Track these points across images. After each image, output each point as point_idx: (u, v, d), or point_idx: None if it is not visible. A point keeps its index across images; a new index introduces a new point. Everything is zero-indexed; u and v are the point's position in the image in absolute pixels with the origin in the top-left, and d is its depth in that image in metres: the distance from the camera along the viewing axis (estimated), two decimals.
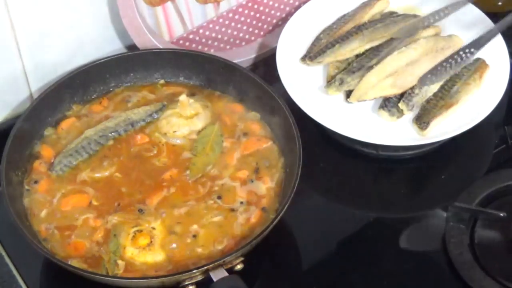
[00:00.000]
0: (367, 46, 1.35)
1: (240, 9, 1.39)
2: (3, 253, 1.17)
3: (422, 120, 1.25)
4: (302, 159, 1.13)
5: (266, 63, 1.38)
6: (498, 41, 1.33)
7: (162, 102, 1.27)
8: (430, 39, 1.33)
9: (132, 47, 1.34)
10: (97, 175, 1.18)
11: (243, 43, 1.44)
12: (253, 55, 1.43)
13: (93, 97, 1.28)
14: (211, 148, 1.21)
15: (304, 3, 1.42)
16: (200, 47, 1.39)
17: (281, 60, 1.33)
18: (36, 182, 1.17)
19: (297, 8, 1.42)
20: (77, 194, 1.16)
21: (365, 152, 1.29)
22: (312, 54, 1.35)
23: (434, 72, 1.27)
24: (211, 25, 1.38)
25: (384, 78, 1.27)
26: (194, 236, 1.11)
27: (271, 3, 1.42)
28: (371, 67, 1.30)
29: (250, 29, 1.43)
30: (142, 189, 1.17)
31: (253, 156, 1.20)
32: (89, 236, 1.12)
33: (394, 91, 1.28)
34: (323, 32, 1.39)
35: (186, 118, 1.23)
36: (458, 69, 1.29)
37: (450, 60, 1.28)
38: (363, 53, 1.35)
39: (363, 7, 1.41)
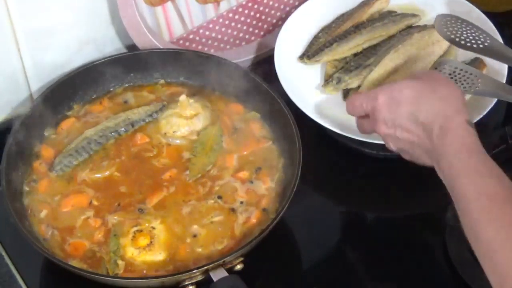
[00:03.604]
0: (365, 45, 1.35)
1: (240, 9, 1.39)
2: (3, 253, 1.17)
3: None
4: (302, 159, 1.13)
5: (266, 63, 1.38)
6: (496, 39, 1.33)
7: (162, 102, 1.27)
8: (424, 33, 1.33)
9: (132, 47, 1.34)
10: (97, 175, 1.18)
11: (243, 43, 1.44)
12: (253, 55, 1.43)
13: (93, 97, 1.28)
14: (211, 148, 1.21)
15: (304, 2, 1.42)
16: (200, 47, 1.39)
17: (279, 59, 1.33)
18: (36, 182, 1.17)
19: (297, 8, 1.42)
20: (77, 194, 1.16)
21: (365, 152, 1.29)
22: (310, 53, 1.36)
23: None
24: (211, 25, 1.38)
25: (386, 77, 1.28)
26: (194, 236, 1.11)
27: (271, 3, 1.42)
28: (368, 66, 1.30)
29: (250, 29, 1.43)
30: (142, 189, 1.17)
31: (253, 156, 1.20)
32: (89, 236, 1.12)
33: None
34: (322, 31, 1.40)
35: (186, 118, 1.23)
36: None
37: None
38: (361, 52, 1.35)
39: (362, 6, 1.41)
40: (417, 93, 1.03)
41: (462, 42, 1.22)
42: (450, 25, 1.24)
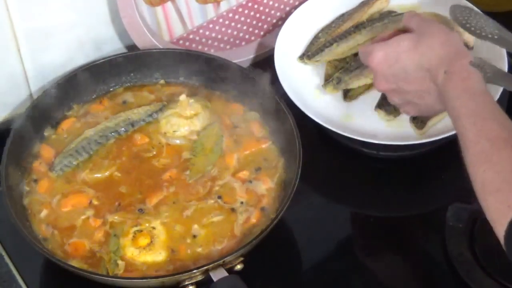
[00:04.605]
0: None
1: (240, 9, 1.39)
2: (3, 253, 1.17)
3: (418, 119, 1.25)
4: (302, 159, 1.13)
5: (266, 63, 1.38)
6: None
7: (162, 102, 1.27)
8: None
9: (132, 47, 1.34)
10: (97, 175, 1.18)
11: (243, 43, 1.44)
12: (253, 55, 1.43)
13: (93, 97, 1.28)
14: (211, 148, 1.21)
15: (304, 2, 1.42)
16: (200, 47, 1.39)
17: (279, 59, 1.33)
18: (36, 182, 1.17)
19: (297, 8, 1.42)
20: (77, 194, 1.16)
21: (365, 152, 1.29)
22: (310, 53, 1.36)
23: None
24: (211, 25, 1.38)
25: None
26: (194, 236, 1.11)
27: (271, 3, 1.42)
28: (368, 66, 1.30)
29: (250, 29, 1.43)
30: (142, 189, 1.17)
31: (253, 156, 1.20)
32: (89, 236, 1.12)
33: None
34: (322, 31, 1.40)
35: (186, 118, 1.23)
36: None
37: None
38: None
39: (362, 6, 1.41)
40: (415, 42, 1.03)
41: (478, 31, 1.21)
42: (464, 14, 1.23)
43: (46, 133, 1.23)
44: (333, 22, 1.41)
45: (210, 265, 1.03)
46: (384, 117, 1.28)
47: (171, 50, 1.32)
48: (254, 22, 1.43)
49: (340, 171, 1.30)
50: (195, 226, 1.12)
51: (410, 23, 1.09)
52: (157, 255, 1.09)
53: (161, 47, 1.31)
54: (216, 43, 1.40)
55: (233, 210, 1.14)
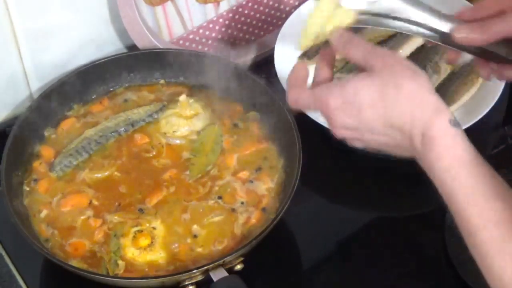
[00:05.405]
0: None
1: (240, 9, 1.39)
2: (3, 253, 1.17)
3: None
4: (302, 159, 1.13)
5: (266, 63, 1.38)
6: None
7: (162, 102, 1.27)
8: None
9: (132, 47, 1.34)
10: (97, 175, 1.18)
11: (243, 43, 1.44)
12: (253, 55, 1.43)
13: (93, 97, 1.28)
14: (211, 148, 1.21)
15: (304, 2, 1.42)
16: (200, 47, 1.39)
17: (279, 59, 1.33)
18: (36, 182, 1.17)
19: (297, 8, 1.42)
20: (77, 194, 1.16)
21: (365, 152, 1.29)
22: (310, 53, 1.35)
23: None
24: (211, 25, 1.38)
25: None
26: (195, 236, 1.11)
27: (271, 3, 1.42)
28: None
29: (250, 29, 1.43)
30: (142, 189, 1.17)
31: (253, 156, 1.20)
32: (89, 236, 1.11)
33: None
34: None
35: (186, 118, 1.23)
36: None
37: None
38: None
39: None
40: (378, 93, 0.85)
41: None
42: None
43: (46, 133, 1.23)
44: None
45: (210, 265, 1.02)
46: None
47: (171, 50, 1.32)
48: (254, 22, 1.43)
49: (340, 171, 1.30)
50: (195, 226, 1.12)
51: (354, 56, 0.89)
52: (157, 255, 1.09)
53: (161, 47, 1.31)
54: (216, 43, 1.40)
55: (233, 210, 1.14)
